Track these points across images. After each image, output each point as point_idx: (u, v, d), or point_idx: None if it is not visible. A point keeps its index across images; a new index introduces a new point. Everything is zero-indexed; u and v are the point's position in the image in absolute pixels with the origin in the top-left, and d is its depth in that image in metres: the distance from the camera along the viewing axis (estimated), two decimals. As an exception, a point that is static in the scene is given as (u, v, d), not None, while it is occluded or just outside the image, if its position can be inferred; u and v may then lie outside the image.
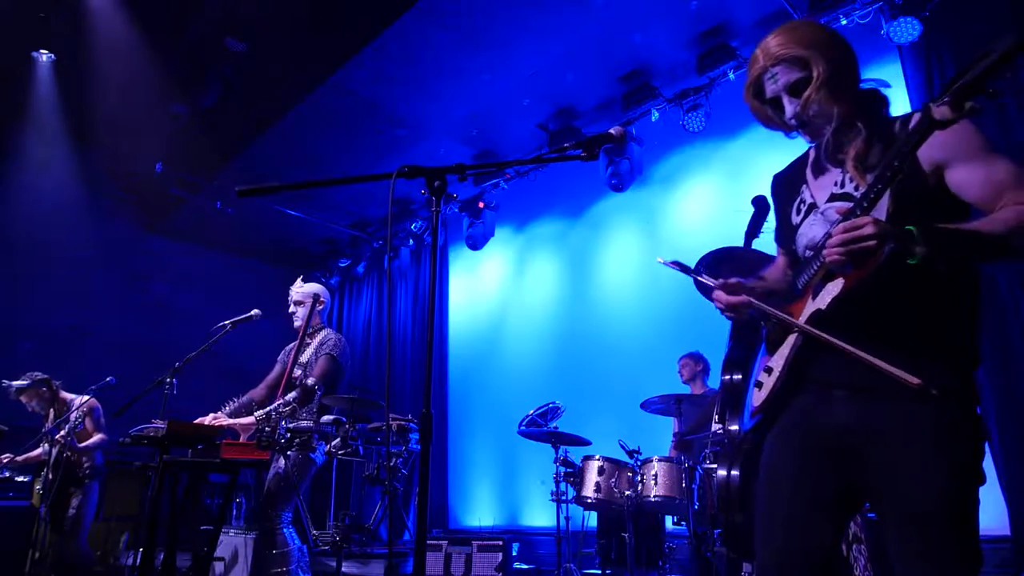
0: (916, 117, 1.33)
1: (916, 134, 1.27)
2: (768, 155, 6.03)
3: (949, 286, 1.40)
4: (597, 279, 7.24)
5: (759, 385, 1.60)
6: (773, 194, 1.79)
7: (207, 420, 3.39)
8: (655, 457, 4.25)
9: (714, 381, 5.04)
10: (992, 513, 3.88)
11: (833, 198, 1.54)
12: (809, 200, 1.61)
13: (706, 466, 3.68)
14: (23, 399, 5.03)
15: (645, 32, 5.62)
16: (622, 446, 4.41)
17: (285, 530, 3.42)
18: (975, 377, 1.42)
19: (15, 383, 5.01)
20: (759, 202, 2.73)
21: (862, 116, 1.50)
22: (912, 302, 1.39)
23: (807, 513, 1.47)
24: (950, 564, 1.31)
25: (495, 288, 8.32)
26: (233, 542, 4.52)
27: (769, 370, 1.58)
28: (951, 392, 1.35)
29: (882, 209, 1.35)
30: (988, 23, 4.42)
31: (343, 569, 4.38)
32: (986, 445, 1.41)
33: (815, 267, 1.46)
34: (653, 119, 6.24)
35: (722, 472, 2.22)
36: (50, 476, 4.65)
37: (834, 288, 1.40)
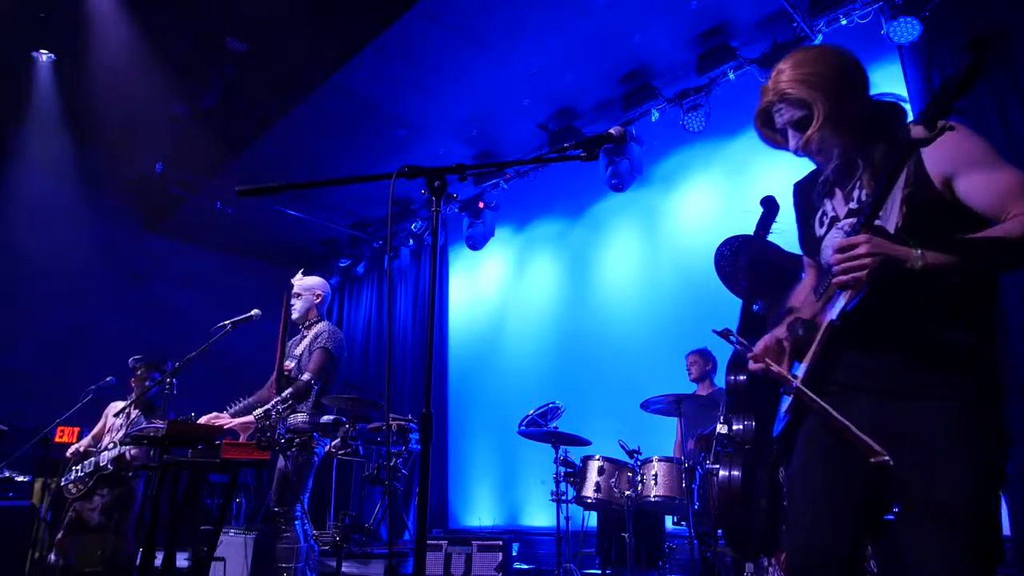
0: (903, 128, 1.39)
1: (896, 155, 1.32)
2: (768, 155, 5.99)
3: (960, 294, 1.41)
4: (597, 279, 7.24)
5: (787, 392, 1.66)
6: (795, 204, 1.84)
7: (204, 419, 3.37)
8: (655, 457, 4.25)
9: (720, 379, 5.04)
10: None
11: (851, 213, 1.60)
12: (831, 213, 1.66)
13: (708, 466, 3.68)
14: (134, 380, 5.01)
15: (645, 32, 5.62)
16: (622, 446, 4.41)
17: (296, 523, 3.42)
18: (998, 381, 1.42)
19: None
20: (768, 202, 2.72)
21: (869, 141, 1.52)
22: (924, 311, 1.42)
23: (831, 514, 1.50)
24: (971, 559, 1.31)
25: (495, 288, 8.32)
26: (233, 542, 4.52)
27: (796, 377, 1.62)
28: (970, 396, 1.37)
29: (891, 221, 1.38)
30: (988, 23, 4.42)
31: (343, 569, 4.38)
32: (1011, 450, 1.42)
33: (829, 279, 1.50)
34: (653, 119, 6.23)
35: (724, 472, 2.22)
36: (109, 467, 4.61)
37: (841, 300, 1.45)
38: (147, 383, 4.92)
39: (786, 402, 1.68)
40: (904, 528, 1.41)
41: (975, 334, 1.43)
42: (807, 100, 1.52)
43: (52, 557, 4.60)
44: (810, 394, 1.51)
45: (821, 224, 1.69)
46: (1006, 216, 1.34)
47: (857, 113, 1.55)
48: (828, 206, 1.68)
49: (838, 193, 1.66)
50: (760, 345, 1.66)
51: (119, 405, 4.97)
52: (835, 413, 1.44)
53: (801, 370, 1.59)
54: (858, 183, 1.58)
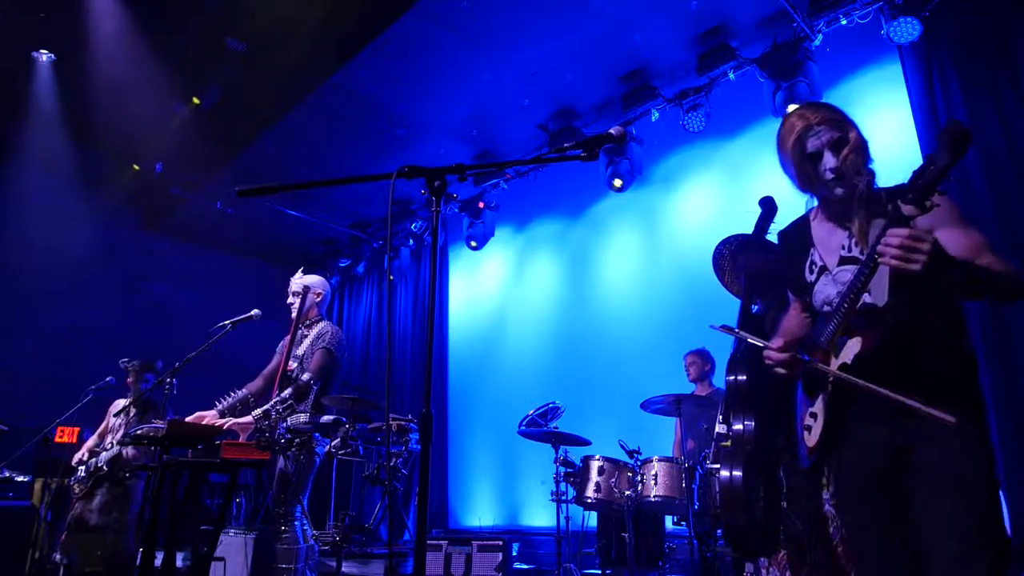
0: (893, 204, 1.59)
1: (889, 227, 1.55)
2: (768, 155, 6.01)
3: (948, 333, 1.69)
4: (597, 279, 7.24)
5: (808, 429, 1.84)
6: (781, 247, 2.06)
7: (190, 419, 3.33)
8: (655, 457, 4.25)
9: (719, 379, 5.03)
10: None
11: (843, 261, 1.81)
12: (820, 263, 1.87)
13: (708, 466, 3.68)
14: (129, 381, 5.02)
15: (645, 32, 5.62)
16: (622, 446, 4.41)
17: (296, 524, 3.41)
18: (982, 397, 1.72)
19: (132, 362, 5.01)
20: (767, 203, 2.71)
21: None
22: (921, 348, 1.66)
23: (883, 544, 1.71)
24: (986, 529, 1.56)
25: (495, 288, 8.32)
26: (233, 542, 4.51)
27: (814, 415, 1.81)
28: (966, 410, 1.62)
29: (885, 272, 1.61)
30: (988, 23, 4.42)
31: (343, 569, 4.38)
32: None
33: (835, 323, 1.71)
34: (653, 119, 6.23)
35: (725, 472, 2.22)
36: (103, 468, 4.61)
37: (855, 345, 1.67)
38: (141, 385, 4.93)
39: (805, 438, 1.84)
40: (926, 513, 1.61)
41: (962, 363, 1.69)
42: (843, 123, 1.78)
43: (56, 556, 4.61)
44: (847, 376, 1.66)
45: (811, 271, 1.88)
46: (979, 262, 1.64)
47: (868, 158, 1.77)
48: (816, 256, 1.88)
49: (822, 243, 1.88)
50: (781, 339, 1.82)
51: (121, 403, 4.98)
52: (873, 386, 1.59)
53: (820, 404, 1.80)
54: (852, 239, 1.79)
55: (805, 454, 1.86)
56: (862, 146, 1.76)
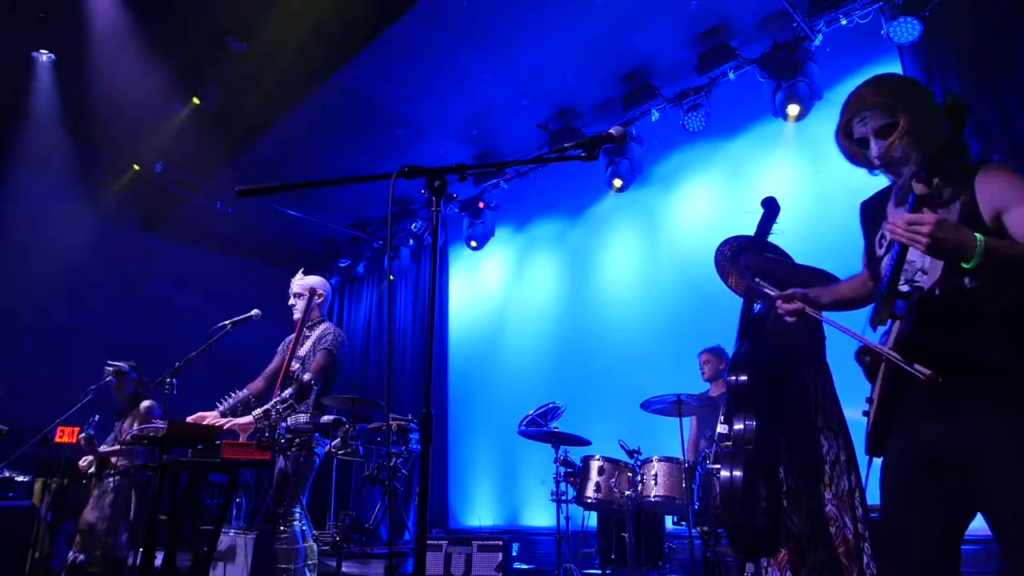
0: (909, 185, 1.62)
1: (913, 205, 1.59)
2: (768, 155, 6.03)
3: (998, 320, 1.58)
4: (597, 279, 7.24)
5: (867, 414, 1.79)
6: (861, 221, 1.99)
7: (190, 419, 3.34)
8: (655, 457, 4.25)
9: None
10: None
11: None
12: (889, 237, 1.79)
13: (709, 466, 3.68)
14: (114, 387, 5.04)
15: (645, 32, 5.62)
16: (622, 446, 4.41)
17: (295, 524, 3.41)
18: None
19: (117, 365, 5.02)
20: (769, 203, 2.71)
21: (938, 164, 1.64)
22: (970, 335, 1.58)
23: (919, 531, 1.64)
24: None
25: (495, 288, 8.32)
26: (233, 542, 4.52)
27: (871, 400, 1.77)
28: (1017, 406, 1.52)
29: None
30: (988, 23, 4.42)
31: (343, 569, 4.39)
32: None
33: (881, 304, 1.67)
34: (653, 119, 6.23)
35: (725, 473, 2.22)
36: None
37: (895, 329, 1.63)
38: (125, 391, 4.98)
39: (868, 428, 1.79)
40: (996, 533, 1.55)
41: (1015, 352, 1.56)
42: (893, 107, 1.71)
43: (70, 555, 4.67)
44: (895, 355, 1.61)
45: (880, 246, 1.85)
46: None
47: (931, 135, 1.69)
48: (885, 230, 1.82)
49: (895, 217, 1.78)
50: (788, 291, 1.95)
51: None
52: (892, 352, 1.58)
53: (876, 388, 1.75)
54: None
55: (866, 440, 1.82)
56: (913, 130, 1.69)
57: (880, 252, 1.84)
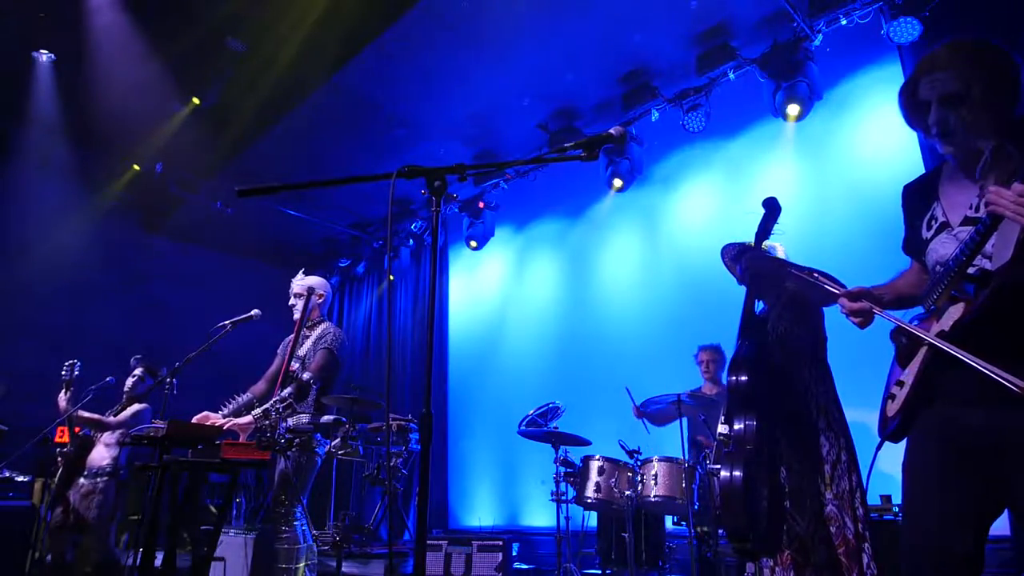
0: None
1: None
2: (768, 155, 6.03)
3: None
4: (597, 279, 7.24)
5: (892, 397, 1.71)
6: (903, 204, 1.88)
7: (195, 419, 3.34)
8: (655, 457, 4.25)
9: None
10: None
11: (967, 221, 1.63)
12: (941, 218, 1.70)
13: (709, 466, 3.67)
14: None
15: (645, 32, 5.62)
16: (622, 446, 4.41)
17: (296, 523, 3.41)
18: None
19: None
20: (770, 203, 2.70)
21: (1011, 143, 1.55)
22: None
23: (947, 517, 1.57)
24: None
25: (495, 288, 8.32)
26: (233, 542, 4.52)
27: (901, 383, 1.68)
28: None
29: (1008, 248, 1.46)
30: (988, 23, 4.42)
31: (343, 569, 4.39)
32: None
33: (943, 285, 1.57)
34: (653, 119, 6.23)
35: (725, 473, 2.22)
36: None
37: (956, 311, 1.53)
38: (139, 388, 4.97)
39: (888, 407, 1.72)
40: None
41: None
42: (967, 75, 1.57)
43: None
44: (941, 343, 1.53)
45: (929, 227, 1.73)
46: None
47: (1005, 111, 1.58)
48: (938, 211, 1.72)
49: (948, 198, 1.70)
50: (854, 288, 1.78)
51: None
52: (965, 355, 1.45)
53: (909, 372, 1.66)
54: (981, 199, 1.57)
55: (881, 424, 1.75)
56: (985, 101, 1.56)
57: (927, 234, 1.72)
